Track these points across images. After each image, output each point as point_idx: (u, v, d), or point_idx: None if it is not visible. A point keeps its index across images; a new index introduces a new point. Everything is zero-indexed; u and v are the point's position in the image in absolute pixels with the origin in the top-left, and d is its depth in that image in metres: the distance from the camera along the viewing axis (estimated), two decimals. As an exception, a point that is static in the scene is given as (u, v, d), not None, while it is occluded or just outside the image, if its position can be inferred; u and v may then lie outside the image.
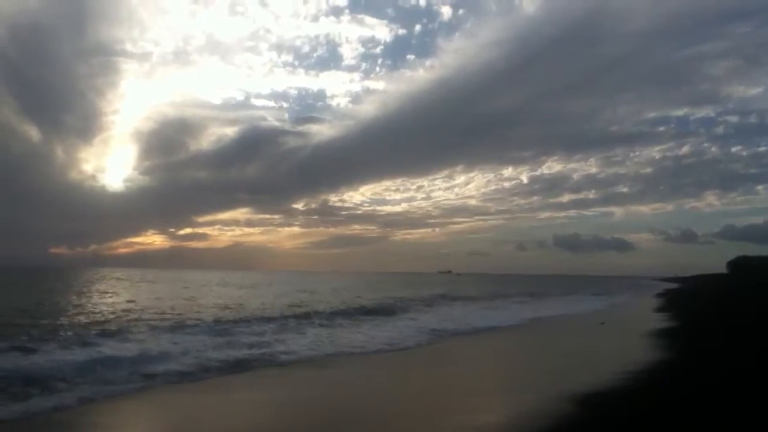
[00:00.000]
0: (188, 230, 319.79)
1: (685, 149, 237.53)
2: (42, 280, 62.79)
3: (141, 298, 34.21)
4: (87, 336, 15.54)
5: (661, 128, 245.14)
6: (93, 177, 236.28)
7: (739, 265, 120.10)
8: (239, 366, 12.68)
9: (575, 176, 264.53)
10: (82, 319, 20.99)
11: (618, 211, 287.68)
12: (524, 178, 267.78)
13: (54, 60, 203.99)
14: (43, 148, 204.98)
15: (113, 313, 23.56)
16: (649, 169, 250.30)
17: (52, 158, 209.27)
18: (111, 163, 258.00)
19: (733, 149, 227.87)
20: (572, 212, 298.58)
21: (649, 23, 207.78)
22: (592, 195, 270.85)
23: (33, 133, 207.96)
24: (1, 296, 34.62)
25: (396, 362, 14.34)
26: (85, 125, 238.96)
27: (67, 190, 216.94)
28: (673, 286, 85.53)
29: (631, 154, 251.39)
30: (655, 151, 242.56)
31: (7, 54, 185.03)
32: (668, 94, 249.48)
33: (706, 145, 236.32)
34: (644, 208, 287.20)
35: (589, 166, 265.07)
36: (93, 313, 23.70)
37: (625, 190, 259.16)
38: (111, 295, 37.55)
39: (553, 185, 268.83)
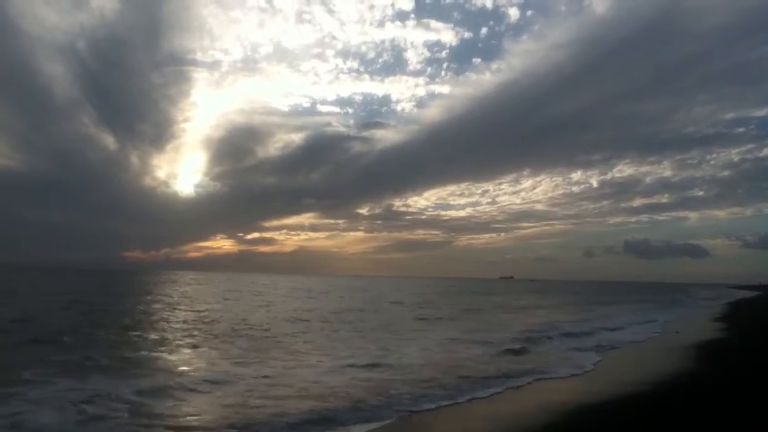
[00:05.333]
0: (255, 235, 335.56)
1: (767, 151, 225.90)
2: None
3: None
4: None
5: (740, 129, 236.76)
6: (165, 183, 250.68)
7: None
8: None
9: (648, 180, 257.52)
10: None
11: (693, 215, 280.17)
12: (594, 182, 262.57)
13: (130, 70, 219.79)
14: (118, 155, 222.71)
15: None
16: (726, 172, 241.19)
17: (127, 165, 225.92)
18: (182, 169, 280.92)
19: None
20: (644, 217, 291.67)
21: (727, 19, 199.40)
22: (665, 199, 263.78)
23: (109, 141, 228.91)
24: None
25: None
26: (158, 133, 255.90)
27: (141, 195, 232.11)
28: (750, 294, 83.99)
29: (708, 157, 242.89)
30: (733, 153, 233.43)
31: (88, 65, 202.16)
32: (748, 94, 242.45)
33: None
34: (721, 213, 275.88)
35: (662, 169, 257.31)
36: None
37: (700, 194, 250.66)
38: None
39: (624, 189, 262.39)
